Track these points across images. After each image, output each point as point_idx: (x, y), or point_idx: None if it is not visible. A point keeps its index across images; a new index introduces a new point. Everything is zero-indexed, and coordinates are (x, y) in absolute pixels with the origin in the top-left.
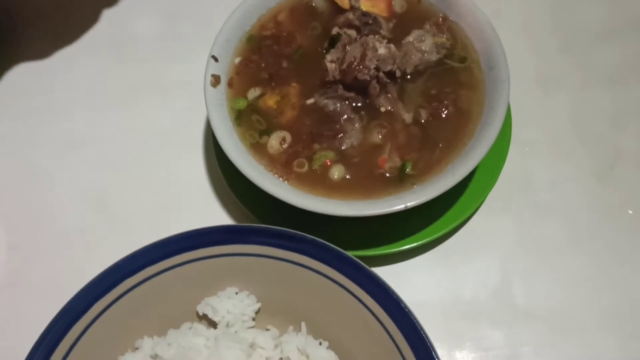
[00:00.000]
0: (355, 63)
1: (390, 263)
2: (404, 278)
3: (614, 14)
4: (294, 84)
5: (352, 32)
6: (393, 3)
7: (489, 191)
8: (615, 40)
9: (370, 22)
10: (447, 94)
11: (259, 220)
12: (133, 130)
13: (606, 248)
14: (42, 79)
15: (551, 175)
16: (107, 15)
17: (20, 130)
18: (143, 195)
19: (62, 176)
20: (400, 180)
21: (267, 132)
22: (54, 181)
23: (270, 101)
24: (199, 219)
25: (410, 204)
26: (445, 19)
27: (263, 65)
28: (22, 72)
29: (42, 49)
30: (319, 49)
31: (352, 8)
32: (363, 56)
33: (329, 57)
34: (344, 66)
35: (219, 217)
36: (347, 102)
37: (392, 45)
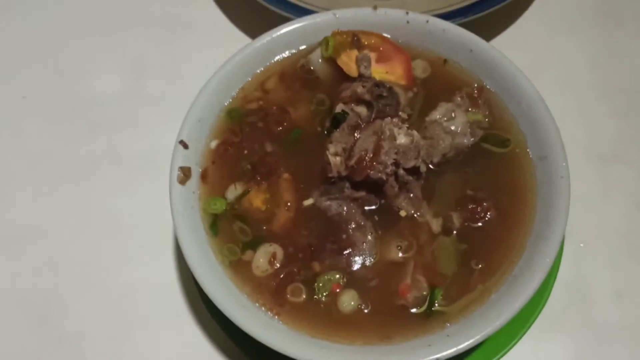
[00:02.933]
0: (367, 158)
1: None
2: None
3: None
4: (285, 175)
5: (362, 110)
6: (413, 66)
7: (540, 310)
8: None
9: (385, 94)
10: (486, 191)
11: (247, 357)
12: (86, 220)
13: None
14: None
15: (616, 281)
16: (59, 71)
17: None
18: (98, 310)
19: None
20: (428, 316)
21: (253, 244)
22: None
23: (257, 201)
24: (168, 343)
25: (443, 354)
26: (481, 88)
27: (246, 152)
28: None
29: None
30: (319, 129)
31: (362, 76)
32: (377, 149)
33: (331, 148)
34: (353, 162)
35: (195, 344)
36: (356, 204)
37: (415, 132)
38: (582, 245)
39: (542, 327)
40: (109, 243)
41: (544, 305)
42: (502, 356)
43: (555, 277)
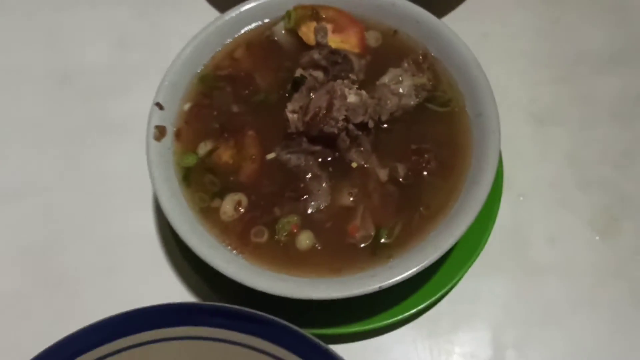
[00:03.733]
0: (320, 114)
1: (368, 338)
2: (384, 352)
3: (617, 38)
4: (250, 133)
5: (319, 74)
6: (366, 36)
7: (480, 252)
8: (619, 68)
9: (340, 60)
10: (428, 145)
11: (215, 293)
12: (75, 179)
13: (611, 314)
14: None
15: (549, 228)
16: (47, 43)
17: None
18: (86, 256)
19: None
20: (374, 252)
21: (221, 193)
22: None
23: (225, 156)
24: (148, 286)
25: (385, 284)
26: (426, 55)
27: (215, 113)
28: None
29: None
30: (281, 92)
31: (319, 45)
32: (330, 106)
33: (290, 106)
34: (308, 118)
35: (171, 285)
36: (312, 157)
37: (363, 92)
38: (521, 198)
39: (482, 268)
40: (97, 198)
41: (482, 247)
42: (446, 293)
43: (493, 224)
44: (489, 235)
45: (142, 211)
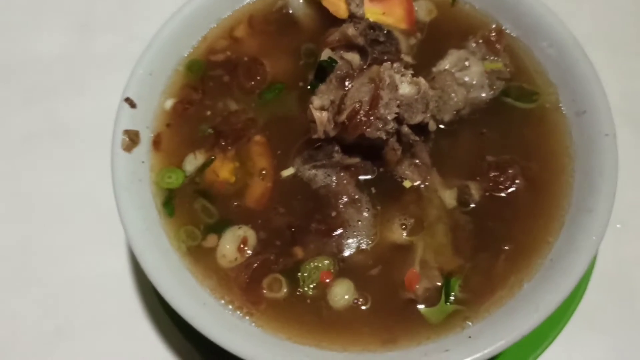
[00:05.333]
0: (361, 112)
1: None
2: None
3: None
4: (257, 138)
5: (354, 57)
6: (415, 8)
7: (576, 306)
8: None
9: (382, 38)
10: (511, 155)
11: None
12: (19, 204)
13: None
14: None
15: None
16: None
17: None
18: (30, 312)
19: None
20: (444, 313)
21: (218, 227)
22: None
23: (224, 171)
24: (116, 350)
25: None
26: (500, 32)
27: (209, 112)
28: None
29: None
30: (300, 84)
31: (353, 17)
32: (375, 100)
33: (316, 101)
34: (344, 117)
35: (150, 352)
36: (348, 173)
37: (422, 80)
38: (618, 226)
39: (578, 325)
40: (46, 232)
41: (579, 300)
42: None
43: (592, 266)
44: (587, 282)
45: (109, 247)
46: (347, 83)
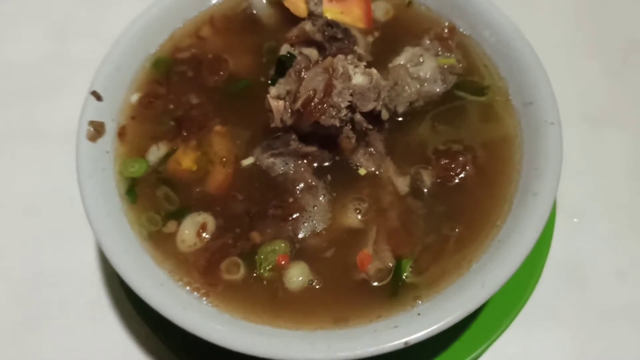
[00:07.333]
0: (316, 100)
1: None
2: None
3: None
4: (217, 128)
5: (312, 52)
6: (373, 8)
7: (529, 294)
8: None
9: (340, 35)
10: (462, 145)
11: (173, 352)
12: None
13: None
14: None
15: (617, 260)
16: None
17: None
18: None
19: None
20: (395, 292)
21: (179, 214)
22: None
23: (186, 160)
24: (83, 341)
25: (413, 338)
26: (452, 30)
27: (172, 106)
28: None
29: None
30: (262, 79)
31: (312, 15)
32: (329, 88)
33: (273, 90)
34: (299, 105)
35: (114, 340)
36: (305, 162)
37: (374, 70)
38: (575, 220)
39: (533, 315)
40: (18, 228)
41: (533, 288)
42: (485, 349)
43: (545, 256)
44: (540, 271)
45: (79, 244)
46: (303, 74)
